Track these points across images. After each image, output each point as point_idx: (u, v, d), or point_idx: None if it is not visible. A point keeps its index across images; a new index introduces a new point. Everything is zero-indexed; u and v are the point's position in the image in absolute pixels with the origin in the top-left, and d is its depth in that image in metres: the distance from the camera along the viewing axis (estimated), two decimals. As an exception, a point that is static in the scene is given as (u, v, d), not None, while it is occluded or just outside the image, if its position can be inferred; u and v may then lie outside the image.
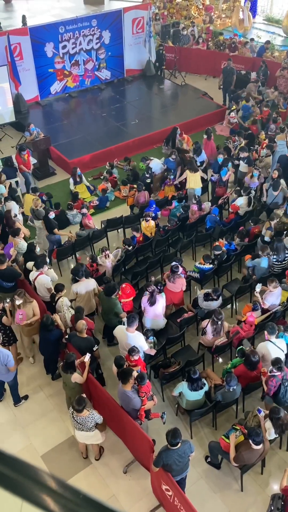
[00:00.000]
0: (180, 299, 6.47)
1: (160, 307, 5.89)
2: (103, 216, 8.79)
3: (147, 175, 8.91)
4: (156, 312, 5.86)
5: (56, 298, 5.91)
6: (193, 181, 8.51)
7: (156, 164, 9.09)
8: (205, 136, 9.83)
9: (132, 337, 5.22)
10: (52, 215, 7.42)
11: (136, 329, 5.28)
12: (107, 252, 6.95)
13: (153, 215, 7.99)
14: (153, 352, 5.56)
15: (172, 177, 9.00)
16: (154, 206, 8.15)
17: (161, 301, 5.89)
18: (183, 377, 5.54)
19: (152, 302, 5.78)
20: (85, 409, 4.40)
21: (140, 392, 4.61)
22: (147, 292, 5.81)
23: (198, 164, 8.93)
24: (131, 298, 6.09)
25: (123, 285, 6.06)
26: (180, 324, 6.17)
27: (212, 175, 8.89)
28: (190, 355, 5.88)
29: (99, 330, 6.49)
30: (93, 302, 6.15)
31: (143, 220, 7.77)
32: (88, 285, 6.03)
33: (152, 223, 7.74)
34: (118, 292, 5.78)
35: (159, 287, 6.06)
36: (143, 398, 4.61)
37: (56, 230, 7.38)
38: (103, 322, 6.23)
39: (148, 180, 8.87)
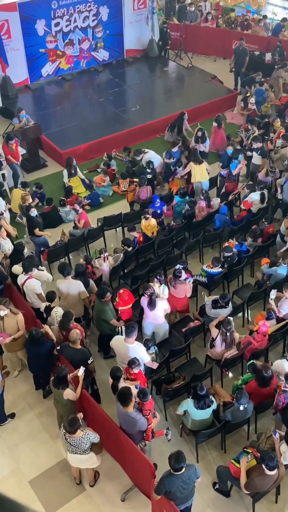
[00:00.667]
0: (184, 306, 6.50)
1: (161, 310, 5.89)
2: (100, 213, 8.82)
3: (148, 170, 8.89)
4: (157, 314, 5.87)
5: (47, 307, 5.90)
6: (199, 173, 8.47)
7: (153, 157, 9.05)
8: (215, 124, 9.85)
9: (132, 349, 5.21)
10: (33, 212, 7.35)
11: (136, 339, 5.29)
12: (106, 254, 6.92)
13: (159, 211, 8.01)
14: (155, 365, 5.55)
15: (180, 168, 8.98)
16: (158, 201, 8.14)
17: (162, 303, 5.87)
18: (189, 394, 5.55)
19: (152, 306, 5.80)
20: (78, 429, 4.39)
21: (144, 410, 4.59)
22: (146, 295, 5.84)
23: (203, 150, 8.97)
24: (130, 305, 6.08)
25: (121, 291, 6.02)
26: (185, 334, 6.18)
27: (221, 170, 8.88)
28: (196, 369, 5.88)
29: (93, 341, 6.51)
30: (80, 307, 6.17)
31: (142, 218, 7.78)
32: (70, 285, 6.01)
33: (153, 221, 7.73)
34: (107, 295, 5.74)
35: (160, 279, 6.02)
36: (148, 416, 4.60)
37: (36, 230, 7.29)
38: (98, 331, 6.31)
39: (150, 176, 8.85)
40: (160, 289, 6.07)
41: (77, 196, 8.94)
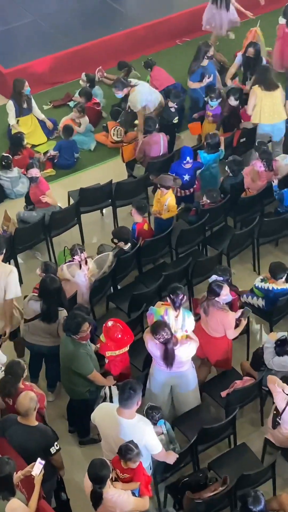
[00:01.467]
0: (224, 352, 6.56)
1: (184, 353, 5.98)
2: (73, 182, 8.82)
3: (172, 104, 9.01)
4: (178, 358, 5.95)
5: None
6: (269, 107, 8.55)
7: (146, 94, 9.04)
8: (282, 21, 9.94)
9: (129, 428, 5.17)
10: None
11: (138, 410, 5.28)
12: (84, 255, 6.96)
13: (187, 177, 8.10)
14: (171, 457, 5.55)
15: (214, 101, 9.05)
16: (189, 159, 8.18)
17: (186, 349, 6.00)
18: (233, 508, 5.62)
19: (168, 361, 5.93)
20: None
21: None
22: (158, 340, 5.90)
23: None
24: (126, 348, 6.16)
25: (110, 323, 6.14)
26: (227, 402, 6.20)
27: None
28: (246, 464, 5.88)
29: (60, 412, 6.56)
30: (9, 318, 6.55)
31: (158, 189, 7.83)
32: None
33: (167, 200, 7.73)
34: (83, 328, 5.83)
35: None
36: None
37: None
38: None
39: (176, 120, 9.01)
40: (178, 320, 6.09)
41: (32, 151, 8.93)
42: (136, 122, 9.14)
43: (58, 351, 6.20)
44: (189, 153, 8.22)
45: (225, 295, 6.30)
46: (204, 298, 6.40)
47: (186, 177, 8.15)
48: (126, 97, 9.12)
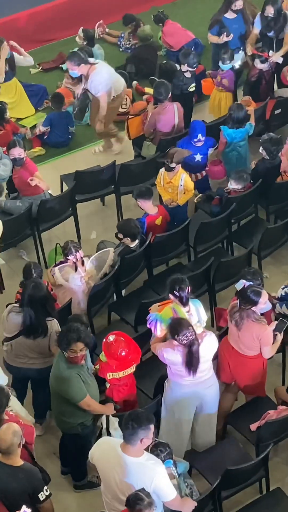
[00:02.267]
0: (258, 375, 6.52)
1: (208, 344, 6.04)
2: (66, 163, 8.88)
3: (188, 70, 9.03)
4: (202, 358, 5.97)
5: None
6: None
7: (109, 74, 9.09)
8: None
9: (135, 467, 5.12)
10: None
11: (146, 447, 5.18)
12: (79, 254, 6.96)
13: (199, 157, 8.10)
14: (189, 506, 5.41)
15: (227, 63, 9.19)
16: (200, 137, 8.21)
17: (208, 343, 6.03)
18: None
19: (193, 366, 5.90)
20: None
21: None
22: (180, 344, 5.89)
23: None
24: (131, 368, 6.17)
25: (110, 338, 6.15)
26: (258, 437, 6.17)
27: None
28: None
29: (51, 449, 6.60)
30: None
31: (167, 171, 7.86)
32: None
33: (183, 178, 7.74)
34: (76, 345, 5.78)
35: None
36: None
37: None
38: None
39: (193, 88, 9.13)
40: (192, 315, 6.28)
41: (16, 126, 8.95)
42: (147, 90, 8.96)
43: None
44: (200, 128, 8.25)
45: (264, 303, 6.26)
46: (236, 308, 6.29)
47: (198, 156, 8.18)
48: (132, 59, 9.05)
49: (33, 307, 6.33)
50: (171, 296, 6.25)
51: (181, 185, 7.76)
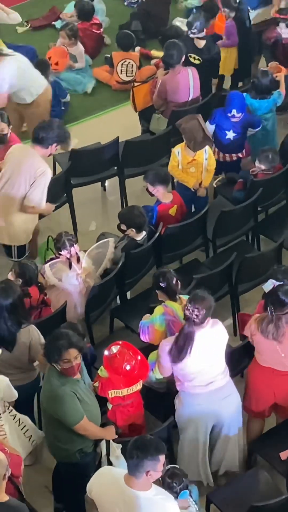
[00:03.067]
0: None
1: (216, 343, 6.14)
2: None
3: (195, 31, 9.06)
4: (211, 370, 6.13)
5: None
6: None
7: (19, 70, 8.91)
8: None
9: (142, 504, 5.04)
10: None
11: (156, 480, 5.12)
12: (75, 249, 6.87)
13: (233, 135, 8.34)
14: None
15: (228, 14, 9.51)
16: (235, 113, 8.30)
17: (215, 331, 6.16)
18: None
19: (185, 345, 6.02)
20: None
21: None
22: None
23: None
24: (138, 386, 6.12)
25: (113, 349, 6.06)
26: None
27: None
28: None
29: (42, 480, 6.61)
30: None
31: (177, 148, 7.94)
32: None
33: (206, 151, 7.86)
34: (66, 360, 5.72)
35: None
36: None
37: None
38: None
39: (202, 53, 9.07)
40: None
41: None
42: (154, 53, 8.91)
43: (33, 390, 6.33)
44: (238, 103, 8.25)
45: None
46: (267, 318, 6.21)
47: (230, 134, 8.20)
48: (138, 14, 9.02)
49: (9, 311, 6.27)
50: (158, 293, 6.38)
51: (205, 159, 7.78)
